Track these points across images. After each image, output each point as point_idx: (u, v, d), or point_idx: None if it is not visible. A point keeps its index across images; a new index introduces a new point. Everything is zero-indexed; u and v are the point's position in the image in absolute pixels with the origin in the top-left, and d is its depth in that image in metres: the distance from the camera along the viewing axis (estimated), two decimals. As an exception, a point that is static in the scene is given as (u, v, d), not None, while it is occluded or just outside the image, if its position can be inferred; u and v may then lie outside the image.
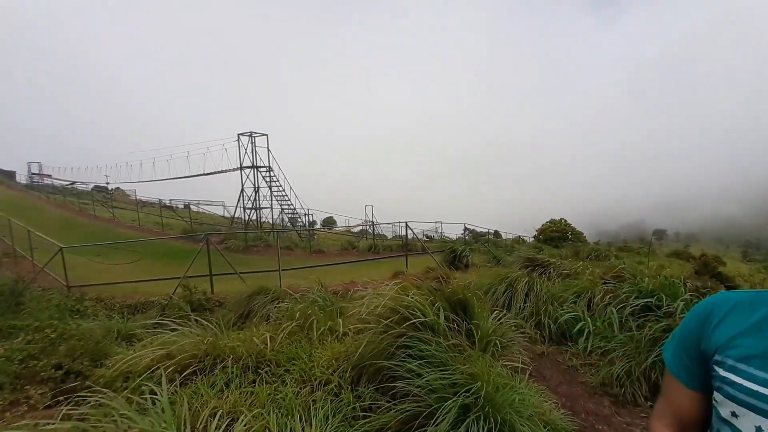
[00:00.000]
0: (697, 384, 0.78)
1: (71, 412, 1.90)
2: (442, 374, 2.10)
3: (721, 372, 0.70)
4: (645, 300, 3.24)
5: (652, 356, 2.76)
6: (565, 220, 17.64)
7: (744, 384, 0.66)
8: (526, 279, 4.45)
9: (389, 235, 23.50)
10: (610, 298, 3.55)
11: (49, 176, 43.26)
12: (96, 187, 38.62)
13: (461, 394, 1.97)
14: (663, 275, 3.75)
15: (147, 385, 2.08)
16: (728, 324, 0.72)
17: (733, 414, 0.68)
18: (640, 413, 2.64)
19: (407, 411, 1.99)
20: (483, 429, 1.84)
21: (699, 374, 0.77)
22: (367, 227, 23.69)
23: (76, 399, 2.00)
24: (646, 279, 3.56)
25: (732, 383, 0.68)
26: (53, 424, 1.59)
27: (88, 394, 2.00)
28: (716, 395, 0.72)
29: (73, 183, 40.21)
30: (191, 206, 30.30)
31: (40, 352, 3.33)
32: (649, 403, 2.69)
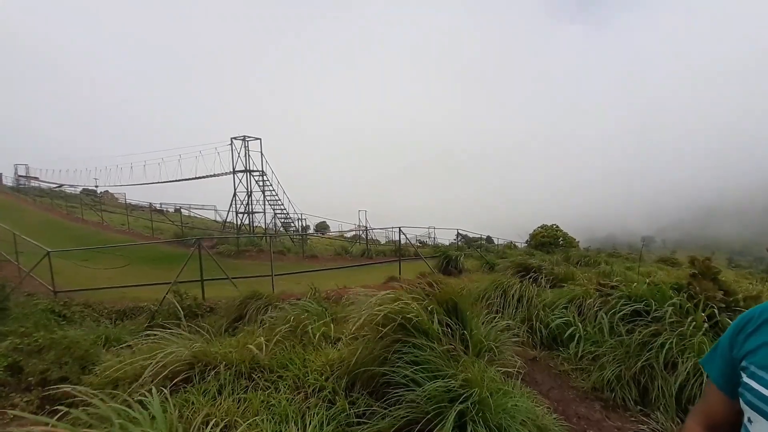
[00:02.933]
0: (727, 387, 0.80)
1: (60, 417, 1.87)
2: (437, 380, 2.11)
3: (744, 378, 0.72)
4: (634, 305, 3.30)
5: (641, 361, 2.81)
6: (557, 226, 17.86)
7: (760, 390, 0.67)
8: (519, 285, 4.49)
9: (382, 240, 23.51)
10: (600, 303, 3.60)
11: (36, 178, 42.48)
12: (84, 190, 37.99)
13: (457, 399, 1.98)
14: (652, 281, 3.82)
15: (137, 392, 2.06)
16: (760, 334, 0.74)
17: (749, 420, 0.70)
18: (630, 417, 2.68)
19: (403, 417, 1.99)
20: (478, 434, 1.85)
21: (730, 378, 0.79)
22: (361, 232, 23.67)
23: (63, 406, 1.96)
24: (634, 285, 3.63)
25: (751, 389, 0.69)
26: (47, 424, 1.55)
27: (78, 398, 1.96)
28: (740, 401, 0.74)
29: (61, 185, 39.50)
30: (182, 210, 29.95)
31: (26, 358, 3.26)
32: (638, 407, 2.74)
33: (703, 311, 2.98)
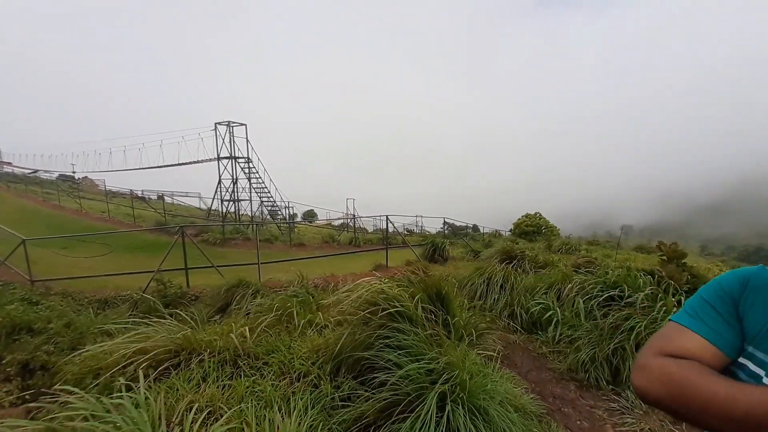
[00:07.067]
0: (727, 348, 0.66)
1: (39, 411, 1.85)
2: (420, 363, 2.17)
3: (751, 366, 0.64)
4: (609, 291, 3.43)
5: (614, 343, 2.95)
6: (540, 214, 18.20)
7: None
8: (502, 272, 4.60)
9: (370, 229, 23.55)
10: (578, 289, 3.73)
11: (9, 164, 40.63)
12: (61, 176, 36.53)
13: (438, 382, 2.04)
14: (626, 268, 3.98)
15: (119, 381, 2.05)
16: (760, 308, 0.64)
17: None
18: (602, 396, 2.82)
19: (385, 399, 2.05)
20: (458, 415, 1.92)
21: (733, 341, 0.66)
22: (348, 220, 23.63)
23: (44, 397, 1.95)
24: (610, 272, 3.77)
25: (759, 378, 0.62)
26: (22, 425, 1.54)
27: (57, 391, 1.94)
28: (750, 364, 0.65)
29: (36, 171, 37.90)
30: (165, 197, 29.22)
31: (3, 349, 3.19)
32: (610, 386, 2.88)
33: (673, 296, 3.13)
